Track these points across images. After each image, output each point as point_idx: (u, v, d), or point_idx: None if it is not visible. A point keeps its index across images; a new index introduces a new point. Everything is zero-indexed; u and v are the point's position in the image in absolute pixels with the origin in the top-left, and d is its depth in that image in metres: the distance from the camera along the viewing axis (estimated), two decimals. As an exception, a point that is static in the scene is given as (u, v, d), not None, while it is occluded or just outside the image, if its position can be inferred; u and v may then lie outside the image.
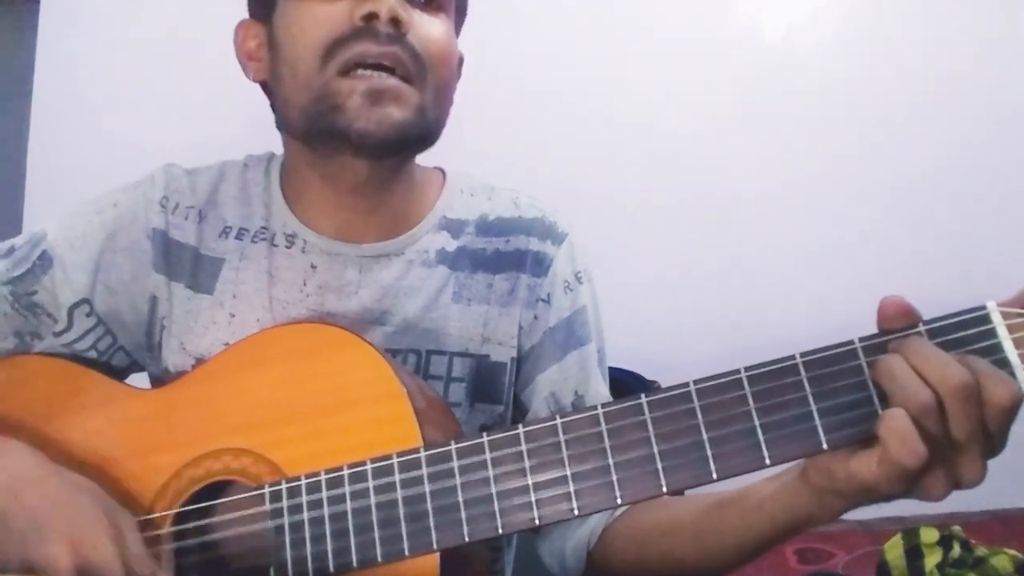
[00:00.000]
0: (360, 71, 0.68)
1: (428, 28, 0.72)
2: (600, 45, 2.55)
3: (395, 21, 0.68)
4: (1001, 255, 2.38)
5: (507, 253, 0.81)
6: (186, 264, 0.78)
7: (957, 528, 1.57)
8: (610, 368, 0.85)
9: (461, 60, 0.82)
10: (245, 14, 0.79)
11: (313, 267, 0.77)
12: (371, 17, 0.68)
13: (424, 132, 0.72)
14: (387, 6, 0.68)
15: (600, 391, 0.81)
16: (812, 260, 2.55)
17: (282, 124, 0.77)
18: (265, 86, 0.78)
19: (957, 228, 2.53)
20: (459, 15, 0.80)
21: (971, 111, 2.54)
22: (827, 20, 2.59)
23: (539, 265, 0.81)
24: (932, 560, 1.50)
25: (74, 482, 0.62)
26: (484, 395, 0.79)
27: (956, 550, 1.52)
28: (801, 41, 2.59)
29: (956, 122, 2.54)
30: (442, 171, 0.86)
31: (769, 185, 2.56)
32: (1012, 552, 1.49)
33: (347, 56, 0.68)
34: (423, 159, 0.83)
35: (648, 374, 2.05)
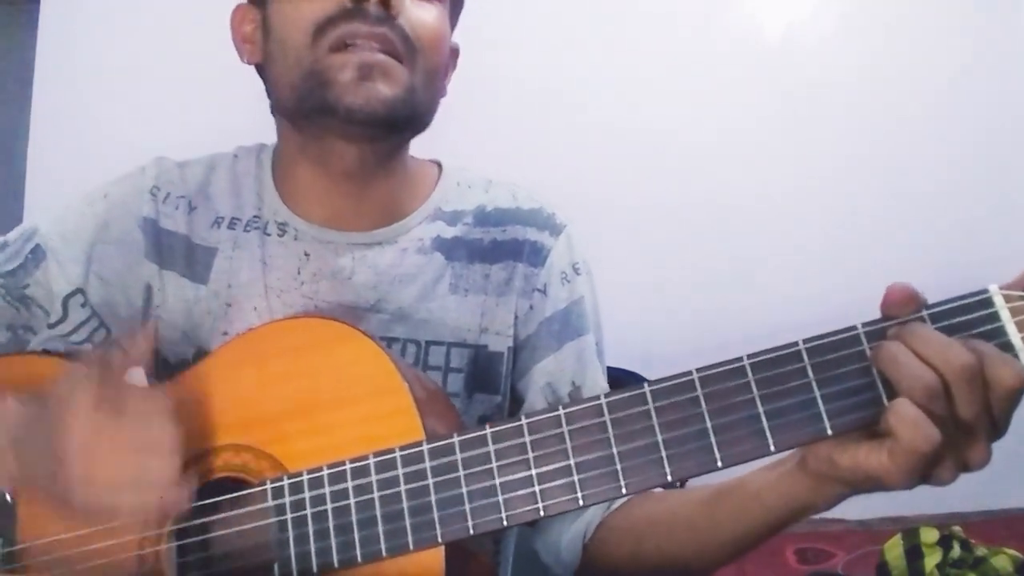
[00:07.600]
0: (350, 47, 0.68)
1: (419, 12, 0.72)
2: (596, 43, 2.55)
3: (385, 3, 0.68)
4: (1002, 253, 2.38)
5: (504, 243, 0.80)
6: (178, 253, 0.78)
7: (957, 528, 1.57)
8: (609, 368, 0.84)
9: (456, 52, 0.82)
10: None
11: (306, 255, 0.77)
12: None
13: (412, 113, 0.72)
14: None
15: (598, 382, 0.80)
16: (813, 260, 2.55)
17: (275, 106, 0.77)
18: (260, 69, 0.78)
19: (958, 225, 2.53)
20: (454, 7, 0.80)
21: (972, 107, 2.54)
22: (827, 19, 2.60)
23: (536, 255, 0.80)
24: (932, 560, 1.50)
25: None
26: (482, 385, 0.79)
27: (956, 550, 1.52)
28: (801, 40, 2.59)
29: (956, 119, 2.54)
30: (438, 164, 0.86)
31: (768, 183, 2.56)
32: (1012, 552, 1.49)
33: (337, 34, 0.68)
34: (421, 153, 0.83)
35: (648, 374, 2.04)
